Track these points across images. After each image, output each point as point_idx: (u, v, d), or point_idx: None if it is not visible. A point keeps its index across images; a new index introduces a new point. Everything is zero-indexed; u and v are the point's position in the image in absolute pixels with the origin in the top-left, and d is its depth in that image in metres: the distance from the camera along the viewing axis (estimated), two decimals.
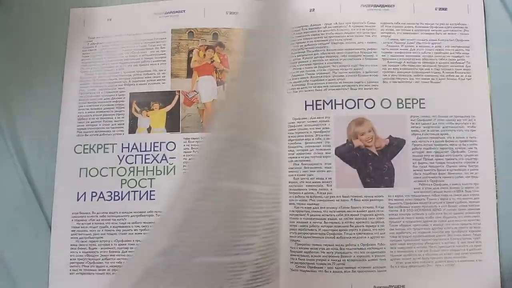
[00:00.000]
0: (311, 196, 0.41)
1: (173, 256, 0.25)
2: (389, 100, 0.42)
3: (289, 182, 0.41)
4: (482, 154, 0.42)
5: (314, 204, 0.41)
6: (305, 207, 0.41)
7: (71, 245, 0.41)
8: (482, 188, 0.41)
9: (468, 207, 0.41)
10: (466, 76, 0.43)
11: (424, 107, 0.42)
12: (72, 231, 0.42)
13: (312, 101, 0.42)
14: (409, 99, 0.42)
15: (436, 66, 0.43)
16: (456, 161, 0.41)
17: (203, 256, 0.26)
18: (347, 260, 0.40)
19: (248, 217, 0.28)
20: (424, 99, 0.42)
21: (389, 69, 0.43)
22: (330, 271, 0.40)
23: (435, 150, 0.41)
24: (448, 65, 0.43)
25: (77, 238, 0.41)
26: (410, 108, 0.42)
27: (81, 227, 0.42)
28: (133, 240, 0.41)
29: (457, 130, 0.42)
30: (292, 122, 0.42)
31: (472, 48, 0.43)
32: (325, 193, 0.41)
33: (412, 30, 0.43)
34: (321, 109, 0.42)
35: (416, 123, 0.42)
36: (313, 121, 0.42)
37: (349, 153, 0.41)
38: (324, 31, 0.43)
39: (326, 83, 0.42)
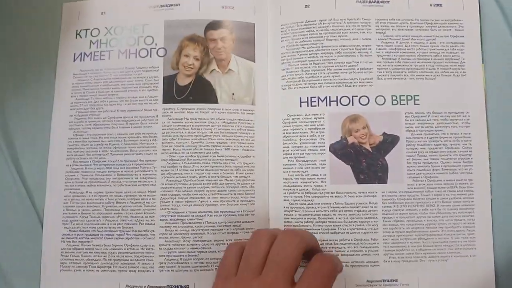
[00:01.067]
0: (305, 192, 0.41)
1: None
2: (384, 97, 0.42)
3: (284, 179, 0.41)
4: (477, 150, 0.42)
5: (309, 200, 0.41)
6: (299, 203, 0.41)
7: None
8: (476, 184, 0.41)
9: (462, 203, 0.41)
10: (460, 72, 0.43)
11: (419, 104, 0.42)
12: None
13: (307, 97, 0.42)
14: (404, 95, 0.42)
15: (431, 63, 0.43)
16: (450, 157, 0.42)
17: None
18: (341, 254, 0.40)
19: None
20: (418, 95, 0.42)
21: (383, 65, 0.43)
22: None
23: (429, 147, 0.42)
24: (443, 62, 0.43)
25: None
26: (404, 104, 0.42)
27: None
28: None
29: (452, 126, 0.42)
30: (287, 119, 0.42)
31: (467, 44, 0.43)
32: (319, 189, 0.41)
33: (407, 26, 0.43)
34: (316, 105, 0.42)
35: (410, 120, 0.42)
36: (308, 118, 0.42)
37: (343, 150, 0.42)
38: (319, 27, 0.43)
39: (321, 79, 0.42)
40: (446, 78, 0.43)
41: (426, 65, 0.43)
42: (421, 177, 0.41)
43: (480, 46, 0.43)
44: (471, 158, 0.42)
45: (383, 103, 0.42)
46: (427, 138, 0.42)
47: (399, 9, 0.44)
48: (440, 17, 0.44)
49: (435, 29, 0.43)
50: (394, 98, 0.42)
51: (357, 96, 0.42)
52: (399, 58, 0.43)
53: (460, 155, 0.42)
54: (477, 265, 0.40)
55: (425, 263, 0.40)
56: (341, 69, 0.43)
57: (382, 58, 0.43)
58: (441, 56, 0.43)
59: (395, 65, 0.43)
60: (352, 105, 0.42)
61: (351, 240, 0.40)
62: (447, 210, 0.41)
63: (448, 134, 0.42)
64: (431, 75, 0.43)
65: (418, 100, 0.42)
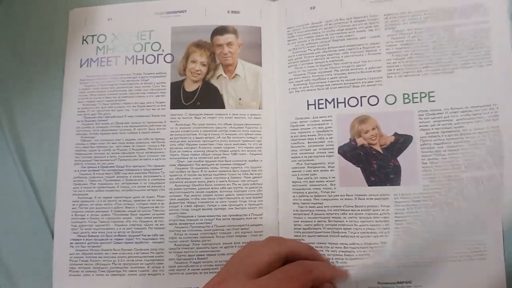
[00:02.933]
0: (315, 195, 0.41)
1: None
2: (394, 96, 0.41)
3: (293, 182, 0.42)
4: (509, 143, 0.39)
5: (318, 203, 0.41)
6: (309, 206, 0.41)
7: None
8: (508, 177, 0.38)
9: (490, 198, 0.38)
10: (485, 62, 0.40)
11: (434, 101, 0.40)
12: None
13: (314, 100, 0.42)
14: (417, 93, 0.40)
15: (448, 55, 0.40)
16: (474, 154, 0.39)
17: None
18: (351, 258, 0.40)
19: None
20: (433, 92, 0.40)
21: (394, 63, 0.41)
22: None
23: (447, 145, 0.40)
24: (463, 52, 0.40)
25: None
26: (418, 102, 0.40)
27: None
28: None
29: (475, 121, 0.40)
30: (295, 122, 0.42)
31: (492, 31, 0.40)
32: (328, 192, 0.41)
33: (420, 18, 0.41)
34: (323, 108, 0.42)
35: (424, 118, 0.40)
36: (315, 121, 0.42)
37: (352, 152, 0.41)
38: (325, 29, 0.42)
39: (328, 81, 0.42)
40: (467, 70, 0.40)
41: (443, 59, 0.40)
42: (440, 176, 0.39)
43: (509, 31, 0.40)
44: (502, 152, 0.39)
45: (394, 102, 0.41)
46: (445, 136, 0.40)
47: (410, 0, 0.41)
48: (458, 3, 0.41)
49: (453, 18, 0.41)
50: (406, 96, 0.41)
51: (365, 96, 0.41)
52: (411, 54, 0.41)
53: (487, 150, 0.39)
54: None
55: (445, 264, 0.38)
56: (348, 70, 0.42)
57: (392, 55, 0.41)
58: (460, 46, 0.40)
59: (406, 61, 0.41)
60: (361, 105, 0.41)
61: (362, 244, 0.40)
62: (472, 208, 0.38)
63: (470, 130, 0.40)
64: (449, 69, 0.40)
65: (433, 97, 0.40)
